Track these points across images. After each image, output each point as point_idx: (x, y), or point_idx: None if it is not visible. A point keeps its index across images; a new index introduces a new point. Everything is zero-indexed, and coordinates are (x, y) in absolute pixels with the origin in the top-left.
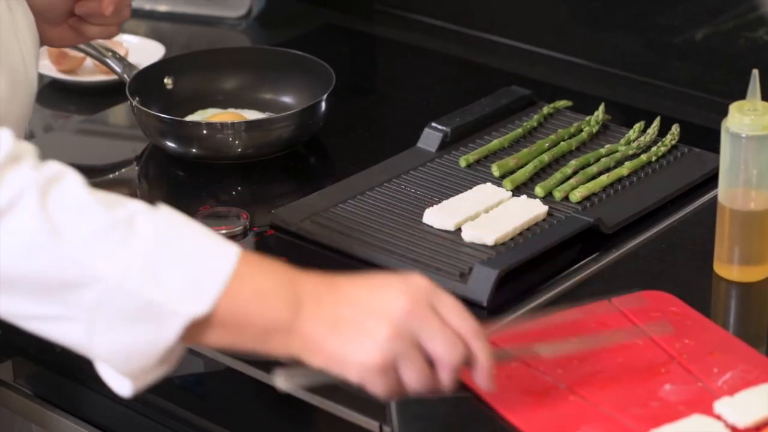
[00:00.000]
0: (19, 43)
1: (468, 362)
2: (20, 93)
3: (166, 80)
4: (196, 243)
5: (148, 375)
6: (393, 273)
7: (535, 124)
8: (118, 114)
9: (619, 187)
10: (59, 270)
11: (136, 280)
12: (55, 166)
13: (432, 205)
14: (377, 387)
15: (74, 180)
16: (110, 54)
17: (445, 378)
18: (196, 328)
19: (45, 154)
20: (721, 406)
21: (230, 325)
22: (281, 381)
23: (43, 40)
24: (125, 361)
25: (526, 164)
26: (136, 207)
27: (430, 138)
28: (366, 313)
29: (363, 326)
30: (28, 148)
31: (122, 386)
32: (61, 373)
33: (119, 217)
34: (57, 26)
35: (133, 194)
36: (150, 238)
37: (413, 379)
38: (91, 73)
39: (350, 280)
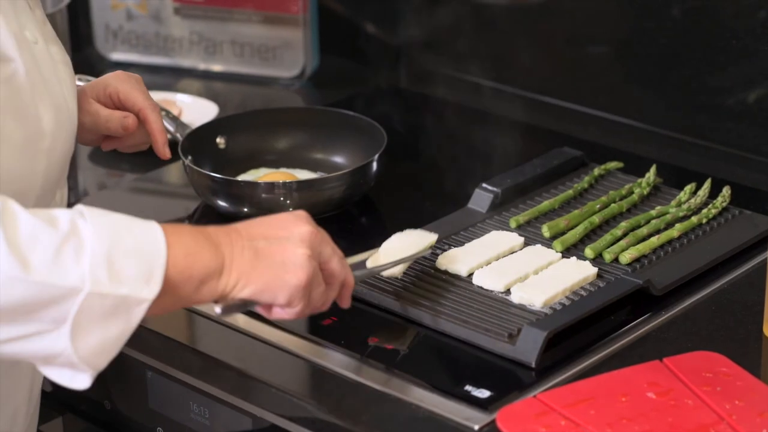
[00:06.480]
0: (59, 81)
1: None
2: (64, 129)
3: (218, 140)
4: (128, 231)
5: (108, 359)
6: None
7: (586, 185)
8: (171, 173)
9: (670, 248)
10: (36, 295)
11: (103, 281)
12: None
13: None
14: (299, 305)
15: (15, 206)
16: (164, 113)
17: (338, 292)
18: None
19: None
20: None
21: (174, 289)
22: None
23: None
24: (102, 356)
25: (576, 226)
26: (68, 215)
27: (481, 199)
28: (280, 241)
29: (283, 253)
30: None
31: (79, 380)
32: (110, 430)
33: (64, 229)
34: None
35: None
36: (94, 240)
37: (320, 295)
38: None
39: (250, 222)
